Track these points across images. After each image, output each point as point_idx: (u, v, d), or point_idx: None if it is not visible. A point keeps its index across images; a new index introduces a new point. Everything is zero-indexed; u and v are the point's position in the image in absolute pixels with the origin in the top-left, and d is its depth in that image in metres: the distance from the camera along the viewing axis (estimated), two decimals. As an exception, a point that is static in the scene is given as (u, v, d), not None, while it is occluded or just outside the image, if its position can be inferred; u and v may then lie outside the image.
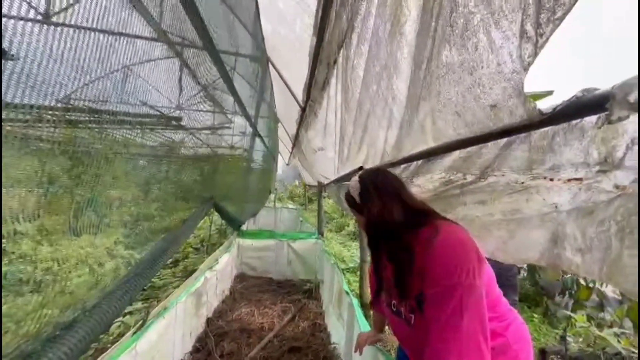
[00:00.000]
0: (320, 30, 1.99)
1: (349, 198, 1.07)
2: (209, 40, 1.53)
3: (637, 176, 0.54)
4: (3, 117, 0.58)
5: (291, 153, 6.96)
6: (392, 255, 0.92)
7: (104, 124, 1.10)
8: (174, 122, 1.78)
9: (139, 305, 3.29)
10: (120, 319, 2.85)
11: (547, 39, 0.60)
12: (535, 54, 0.63)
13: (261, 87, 3.95)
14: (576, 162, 0.70)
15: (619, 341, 2.09)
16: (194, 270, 3.57)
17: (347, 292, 2.15)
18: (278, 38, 3.11)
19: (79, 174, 0.81)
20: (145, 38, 1.14)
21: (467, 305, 0.71)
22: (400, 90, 1.38)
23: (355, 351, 1.46)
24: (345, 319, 2.15)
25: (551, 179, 0.75)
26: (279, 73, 4.06)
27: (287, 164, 10.17)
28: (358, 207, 1.03)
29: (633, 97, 0.48)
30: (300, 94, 3.51)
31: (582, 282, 4.82)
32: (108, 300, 0.91)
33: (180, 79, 1.68)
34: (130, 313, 2.96)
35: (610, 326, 2.60)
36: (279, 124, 6.60)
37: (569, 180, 0.71)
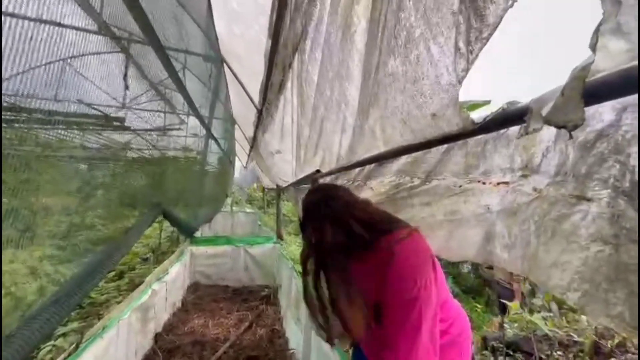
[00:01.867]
0: (275, 33, 1.98)
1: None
2: (154, 35, 1.44)
3: (550, 180, 0.61)
4: None
5: (249, 156, 6.80)
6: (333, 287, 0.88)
7: (32, 122, 0.98)
8: (116, 123, 1.65)
9: (75, 325, 2.97)
10: (52, 342, 2.54)
11: (477, 55, 0.65)
12: (467, 69, 0.69)
13: (215, 87, 3.81)
14: (504, 167, 0.77)
15: (546, 324, 2.35)
16: (141, 283, 3.31)
17: (304, 296, 2.15)
18: (233, 38, 3.03)
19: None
20: (85, 30, 1.04)
21: (425, 317, 0.74)
22: (352, 96, 1.41)
23: None
24: (303, 322, 2.14)
25: (484, 182, 0.82)
26: (234, 74, 3.96)
27: (245, 167, 9.92)
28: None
29: (545, 111, 0.54)
30: (256, 96, 3.45)
31: (518, 272, 5.34)
32: (29, 325, 0.81)
33: (125, 76, 1.56)
34: (64, 335, 2.66)
35: (539, 311, 2.91)
36: (236, 126, 6.42)
37: (498, 183, 0.79)
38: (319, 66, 1.68)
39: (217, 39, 3.16)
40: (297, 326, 2.37)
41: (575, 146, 0.57)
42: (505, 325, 2.58)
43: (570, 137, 0.50)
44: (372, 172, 1.62)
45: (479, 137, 0.85)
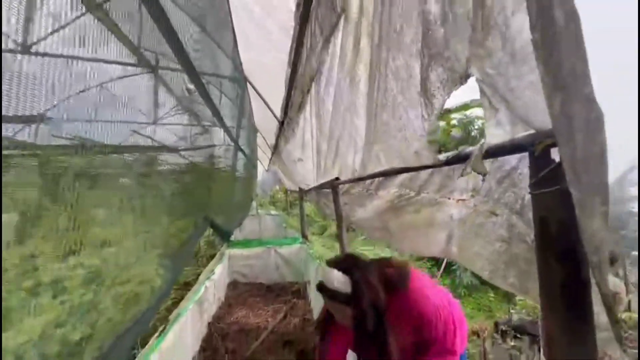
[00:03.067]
0: (294, 64, 2.35)
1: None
2: (191, 65, 1.72)
3: (481, 200, 0.96)
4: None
5: (270, 160, 7.26)
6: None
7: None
8: (165, 150, 2.08)
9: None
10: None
11: (434, 120, 1.01)
12: (430, 127, 1.05)
13: (241, 104, 4.28)
14: (463, 188, 1.12)
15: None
16: (188, 282, 3.82)
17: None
18: (255, 64, 3.46)
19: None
20: (127, 64, 1.00)
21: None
22: (361, 127, 1.78)
23: None
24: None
25: (449, 198, 1.17)
26: (257, 92, 4.39)
27: (267, 170, 10.43)
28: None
29: (470, 162, 0.89)
30: (278, 110, 3.84)
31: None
32: (147, 312, 1.25)
33: (158, 102, 1.85)
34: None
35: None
36: (258, 133, 6.90)
37: (458, 200, 1.13)
38: (333, 99, 2.06)
39: (240, 63, 3.61)
40: (325, 314, 2.76)
41: (494, 180, 0.91)
42: (513, 311, 2.86)
43: (483, 180, 0.85)
44: (380, 184, 1.98)
45: (449, 167, 1.20)
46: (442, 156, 1.11)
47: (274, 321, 3.04)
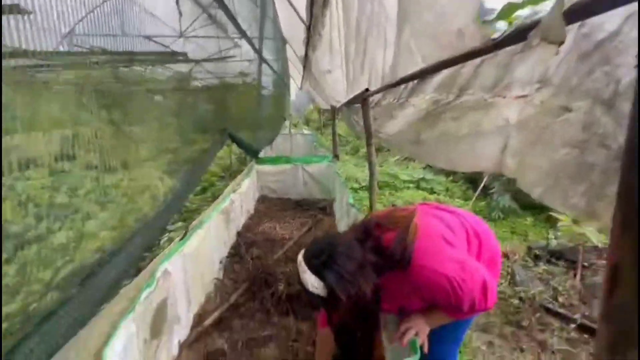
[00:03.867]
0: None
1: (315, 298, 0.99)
2: None
3: (552, 92, 0.67)
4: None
5: (303, 77, 6.80)
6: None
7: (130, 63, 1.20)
8: (179, 57, 1.86)
9: (179, 224, 3.85)
10: (167, 235, 3.40)
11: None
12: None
13: (263, 7, 3.75)
14: (524, 80, 0.81)
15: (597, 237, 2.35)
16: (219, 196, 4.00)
17: (352, 205, 2.45)
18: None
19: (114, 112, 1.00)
20: None
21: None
22: (391, 7, 1.39)
23: None
24: (352, 227, 2.51)
25: (504, 97, 0.87)
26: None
27: (300, 89, 9.94)
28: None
29: (541, 29, 0.57)
30: (303, 12, 3.34)
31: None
32: (160, 214, 1.21)
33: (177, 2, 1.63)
34: (174, 231, 3.52)
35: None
36: (287, 46, 6.32)
37: (517, 97, 0.83)
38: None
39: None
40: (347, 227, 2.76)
41: (576, 56, 0.60)
42: (551, 236, 2.64)
43: (557, 52, 0.55)
44: (413, 90, 1.66)
45: (508, 49, 0.87)
46: (497, 34, 0.78)
47: (299, 233, 3.14)
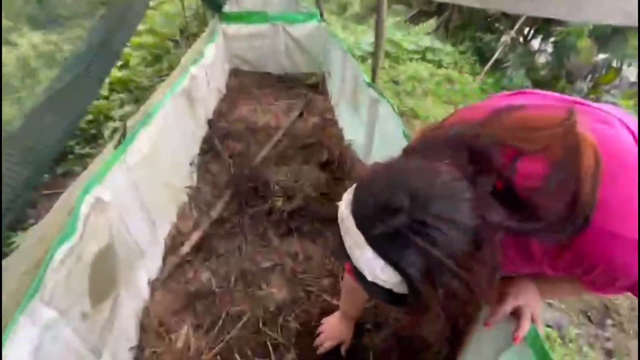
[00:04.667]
0: None
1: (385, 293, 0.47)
2: None
3: None
4: None
5: None
6: None
7: None
8: None
9: (128, 108, 3.02)
10: (112, 124, 2.65)
11: None
12: None
13: None
14: None
15: None
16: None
17: (369, 85, 1.77)
18: None
19: None
20: None
21: None
22: None
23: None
24: (364, 115, 1.90)
25: None
26: None
27: None
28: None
29: None
30: None
31: (614, 64, 4.38)
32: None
33: None
34: (121, 118, 2.73)
35: None
36: None
37: None
38: None
39: None
40: (354, 117, 2.15)
41: None
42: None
43: None
44: None
45: None
46: None
47: (288, 119, 2.50)
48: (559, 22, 4.20)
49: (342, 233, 0.47)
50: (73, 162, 2.35)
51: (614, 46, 4.11)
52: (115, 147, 1.12)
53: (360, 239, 0.43)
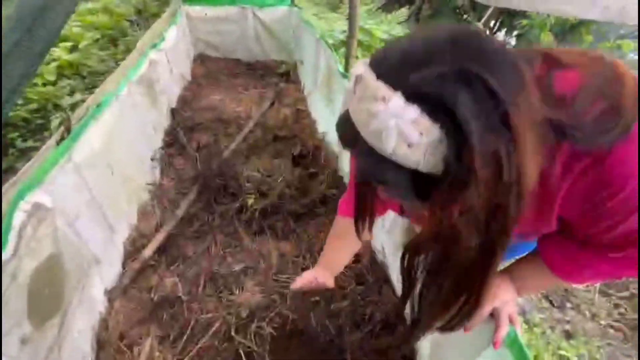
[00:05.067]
0: None
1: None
2: None
3: None
4: None
5: None
6: None
7: None
8: None
9: (79, 96, 2.74)
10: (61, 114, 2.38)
11: None
12: None
13: None
14: None
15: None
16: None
17: (342, 75, 1.70)
18: None
19: None
20: None
21: None
22: None
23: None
24: (338, 106, 1.84)
25: None
26: None
27: None
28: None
29: None
30: None
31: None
32: None
33: None
34: (72, 107, 2.46)
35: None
36: None
37: None
38: None
39: None
40: (327, 108, 2.09)
41: None
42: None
43: None
44: None
45: None
46: None
47: (260, 110, 2.38)
48: (524, 15, 4.34)
49: (351, 101, 0.41)
50: (15, 158, 2.09)
51: (570, 40, 4.33)
52: (58, 144, 0.98)
53: (382, 90, 0.36)
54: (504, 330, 0.66)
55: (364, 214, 0.67)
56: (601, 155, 0.43)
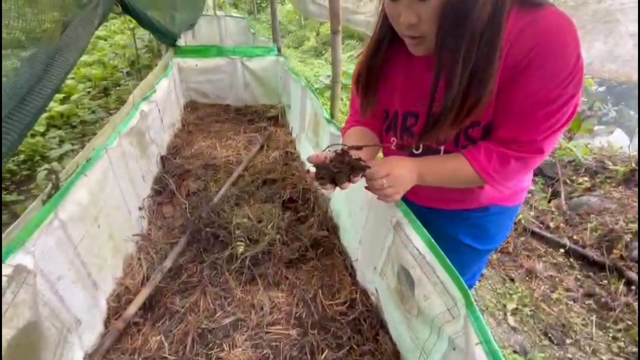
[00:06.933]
0: None
1: None
2: None
3: None
4: None
5: None
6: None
7: None
8: None
9: (68, 147, 2.76)
10: (47, 165, 2.38)
11: None
12: None
13: None
14: None
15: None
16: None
17: (327, 120, 1.79)
18: None
19: None
20: None
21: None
22: None
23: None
24: (322, 147, 1.90)
25: None
26: None
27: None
28: None
29: None
30: None
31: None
32: None
33: None
34: (60, 158, 2.47)
35: (570, 138, 2.72)
36: None
37: None
38: None
39: None
40: (315, 150, 2.15)
41: None
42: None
43: None
44: None
45: None
46: None
47: (249, 154, 2.43)
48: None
49: None
50: (-2, 210, 2.05)
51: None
52: (44, 202, 0.97)
53: None
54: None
55: (371, 87, 0.87)
56: (536, 15, 0.60)
